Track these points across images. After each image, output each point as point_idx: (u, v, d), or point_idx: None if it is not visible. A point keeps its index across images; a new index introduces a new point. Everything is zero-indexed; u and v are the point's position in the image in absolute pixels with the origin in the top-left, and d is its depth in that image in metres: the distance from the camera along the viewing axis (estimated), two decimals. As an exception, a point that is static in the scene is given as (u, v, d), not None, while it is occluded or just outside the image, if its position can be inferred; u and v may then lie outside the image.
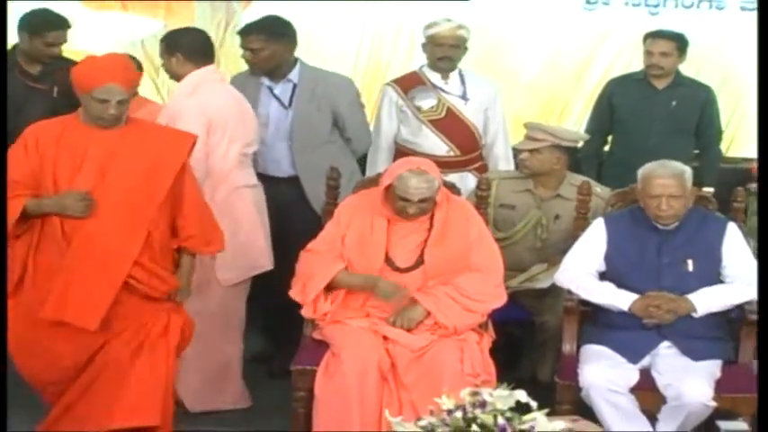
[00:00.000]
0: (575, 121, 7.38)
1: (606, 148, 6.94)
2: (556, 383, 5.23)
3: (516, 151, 6.19)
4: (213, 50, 5.99)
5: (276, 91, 6.20)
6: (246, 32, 6.23)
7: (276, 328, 6.16)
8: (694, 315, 5.23)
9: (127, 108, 4.90)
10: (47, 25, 6.45)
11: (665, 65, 6.70)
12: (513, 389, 3.99)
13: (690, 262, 5.29)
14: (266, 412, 5.66)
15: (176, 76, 5.77)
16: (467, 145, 6.56)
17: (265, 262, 5.82)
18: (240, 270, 5.73)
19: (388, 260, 5.27)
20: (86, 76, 4.80)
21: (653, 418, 5.14)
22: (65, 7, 6.82)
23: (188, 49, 5.77)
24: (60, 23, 6.50)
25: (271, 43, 6.10)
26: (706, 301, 5.24)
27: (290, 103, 6.19)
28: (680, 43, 6.74)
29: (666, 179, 5.20)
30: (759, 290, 4.93)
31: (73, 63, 5.87)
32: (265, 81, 6.19)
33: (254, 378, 6.08)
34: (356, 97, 6.38)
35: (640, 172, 5.35)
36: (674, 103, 6.77)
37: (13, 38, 6.62)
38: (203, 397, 5.82)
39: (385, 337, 5.13)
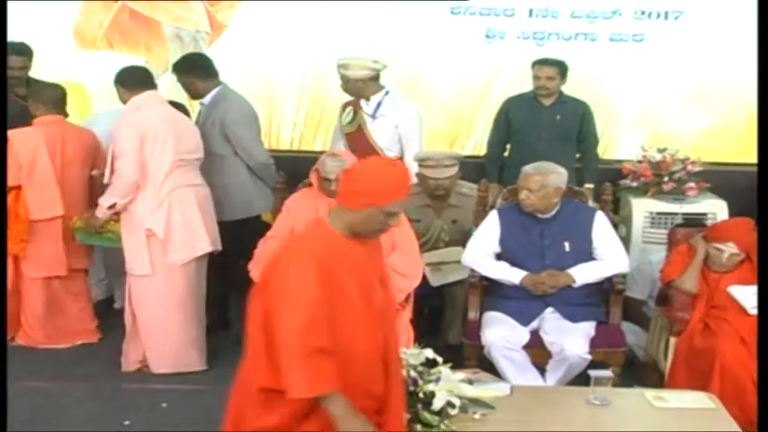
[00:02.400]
0: (480, 133, 7.36)
1: (506, 154, 6.92)
2: (463, 344, 5.32)
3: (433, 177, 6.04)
4: (150, 80, 5.97)
5: (200, 110, 6.32)
6: (172, 70, 6.45)
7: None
8: (574, 286, 5.32)
9: None
10: (12, 52, 6.49)
11: (550, 86, 6.72)
12: (425, 348, 4.20)
13: (567, 244, 5.36)
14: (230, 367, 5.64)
15: (124, 102, 5.85)
16: (363, 155, 6.20)
17: (204, 245, 5.82)
18: (185, 253, 5.75)
19: None
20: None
21: (542, 370, 5.24)
22: (62, 48, 6.88)
23: (126, 81, 5.88)
24: (23, 50, 6.59)
25: (183, 76, 6.22)
26: (582, 274, 5.35)
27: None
28: (561, 68, 6.75)
29: (530, 177, 5.29)
30: (759, 289, 4.94)
31: (49, 86, 6.25)
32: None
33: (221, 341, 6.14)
34: (247, 120, 6.25)
35: (523, 167, 5.46)
36: (558, 117, 6.78)
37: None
38: (167, 361, 5.85)
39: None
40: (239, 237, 5.93)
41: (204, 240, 5.84)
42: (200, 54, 6.63)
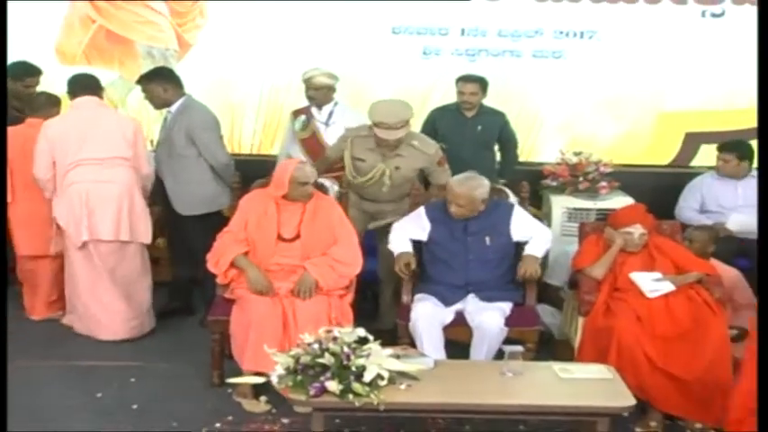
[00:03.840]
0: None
1: None
2: (397, 324, 5.32)
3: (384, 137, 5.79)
4: (90, 86, 6.10)
5: (165, 116, 6.31)
6: (137, 81, 6.39)
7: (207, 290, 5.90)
8: (538, 256, 5.42)
9: None
10: (25, 73, 6.63)
11: (473, 101, 6.69)
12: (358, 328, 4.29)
13: (488, 238, 5.38)
14: (192, 348, 5.73)
15: None
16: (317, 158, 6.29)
17: (95, 232, 5.91)
18: (77, 238, 5.90)
19: (278, 234, 5.33)
20: None
21: (467, 346, 5.22)
22: (45, 63, 6.82)
23: (70, 88, 6.12)
24: (34, 71, 6.68)
25: (148, 84, 6.21)
26: (539, 250, 5.45)
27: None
28: (482, 84, 6.72)
29: (458, 195, 5.31)
30: (759, 288, 4.49)
31: (44, 95, 6.38)
32: None
33: (186, 325, 6.23)
34: (209, 125, 6.20)
35: (449, 181, 5.47)
36: (479, 127, 6.75)
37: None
38: (85, 325, 6.07)
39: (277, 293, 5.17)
40: (202, 230, 5.94)
41: (94, 229, 5.91)
42: (167, 68, 6.61)
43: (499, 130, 6.88)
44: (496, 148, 6.99)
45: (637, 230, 5.48)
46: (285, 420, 4.88)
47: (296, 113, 6.56)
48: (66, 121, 6.04)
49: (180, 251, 6.35)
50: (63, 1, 7.40)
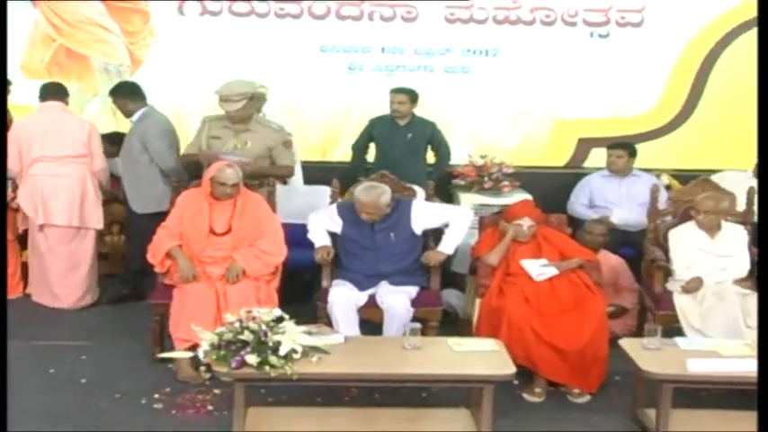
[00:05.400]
0: (345, 146, 7.34)
1: (371, 160, 6.90)
2: (317, 306, 5.34)
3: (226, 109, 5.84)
4: (57, 92, 6.31)
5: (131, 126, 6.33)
6: (109, 94, 6.44)
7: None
8: (448, 253, 5.54)
9: None
10: None
11: (402, 110, 6.71)
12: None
13: (392, 234, 5.43)
14: (140, 329, 5.62)
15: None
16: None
17: (49, 218, 6.18)
18: (36, 222, 6.21)
19: (210, 228, 5.37)
20: None
21: (380, 326, 5.28)
22: (12, 78, 6.76)
23: (41, 93, 6.33)
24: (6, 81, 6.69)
25: (113, 98, 6.34)
26: (449, 244, 5.55)
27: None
28: (411, 96, 6.75)
29: (365, 204, 5.34)
30: (759, 287, 4.65)
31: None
32: None
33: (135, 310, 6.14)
34: (162, 134, 6.23)
35: (355, 192, 5.44)
36: (409, 134, 6.77)
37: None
38: (42, 295, 6.32)
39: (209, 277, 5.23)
40: (150, 227, 5.83)
41: (48, 215, 6.19)
42: (132, 82, 6.63)
43: (428, 138, 6.89)
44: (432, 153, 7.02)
45: (525, 223, 5.58)
46: (217, 391, 4.92)
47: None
48: (33, 121, 6.24)
49: (134, 244, 6.36)
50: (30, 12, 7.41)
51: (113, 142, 6.70)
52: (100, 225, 6.37)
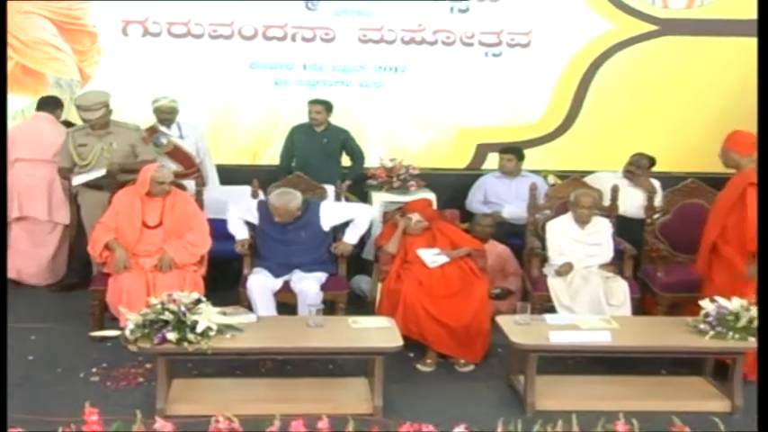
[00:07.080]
0: (274, 149, 7.32)
1: (294, 164, 6.88)
2: (239, 291, 5.41)
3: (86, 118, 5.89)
4: (48, 105, 6.59)
5: None
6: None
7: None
8: (352, 243, 5.59)
9: None
10: None
11: (318, 118, 6.79)
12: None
13: (303, 232, 5.50)
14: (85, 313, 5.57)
15: None
16: (188, 164, 6.55)
17: (23, 212, 6.41)
18: (14, 214, 6.42)
19: (143, 222, 5.43)
20: None
21: (295, 307, 5.35)
22: None
23: (38, 104, 6.61)
24: None
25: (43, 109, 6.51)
26: (353, 236, 5.64)
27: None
28: (326, 106, 6.82)
29: (276, 208, 5.40)
30: (759, 286, 4.30)
31: None
32: None
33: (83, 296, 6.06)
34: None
35: (270, 197, 5.50)
36: (325, 140, 6.84)
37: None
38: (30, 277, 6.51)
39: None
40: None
41: (23, 210, 6.43)
42: (51, 96, 6.87)
43: (342, 143, 6.97)
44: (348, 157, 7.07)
45: (414, 217, 5.73)
46: (148, 366, 4.96)
47: (151, 131, 6.46)
48: (21, 127, 6.56)
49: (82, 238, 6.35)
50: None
51: None
52: (66, 220, 6.48)
